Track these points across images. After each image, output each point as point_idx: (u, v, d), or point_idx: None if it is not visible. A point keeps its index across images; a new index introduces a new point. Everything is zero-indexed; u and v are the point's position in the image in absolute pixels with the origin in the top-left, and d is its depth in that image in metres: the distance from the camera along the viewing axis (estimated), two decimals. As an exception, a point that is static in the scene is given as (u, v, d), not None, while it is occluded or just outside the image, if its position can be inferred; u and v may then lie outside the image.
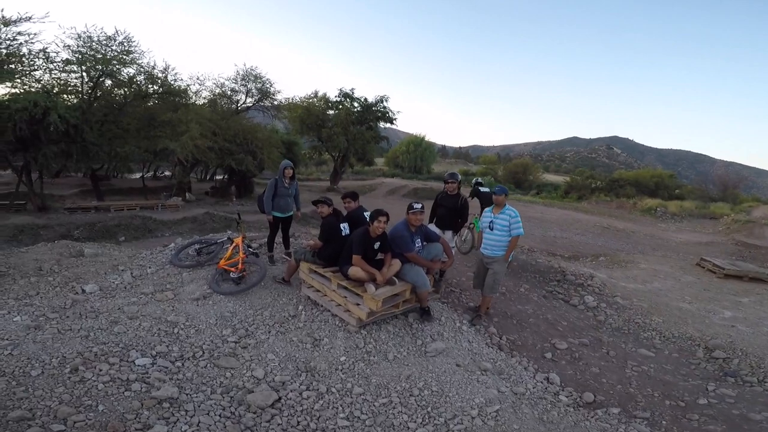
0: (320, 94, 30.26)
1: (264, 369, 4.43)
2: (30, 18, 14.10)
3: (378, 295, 4.95)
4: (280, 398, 4.02)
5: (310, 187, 28.92)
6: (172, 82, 18.96)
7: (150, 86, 18.21)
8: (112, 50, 16.22)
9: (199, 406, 3.70)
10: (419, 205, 5.39)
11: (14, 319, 4.77)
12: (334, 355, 4.80)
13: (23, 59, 14.45)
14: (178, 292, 5.87)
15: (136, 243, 11.81)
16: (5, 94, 14.34)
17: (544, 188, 43.04)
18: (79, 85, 16.29)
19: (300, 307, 5.71)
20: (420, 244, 5.55)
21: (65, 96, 16.12)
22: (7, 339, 4.28)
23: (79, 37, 15.74)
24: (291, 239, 7.78)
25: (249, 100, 26.16)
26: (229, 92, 25.53)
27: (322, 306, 5.68)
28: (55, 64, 15.31)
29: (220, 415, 3.65)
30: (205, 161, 21.24)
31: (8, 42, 13.96)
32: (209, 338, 4.87)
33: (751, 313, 7.63)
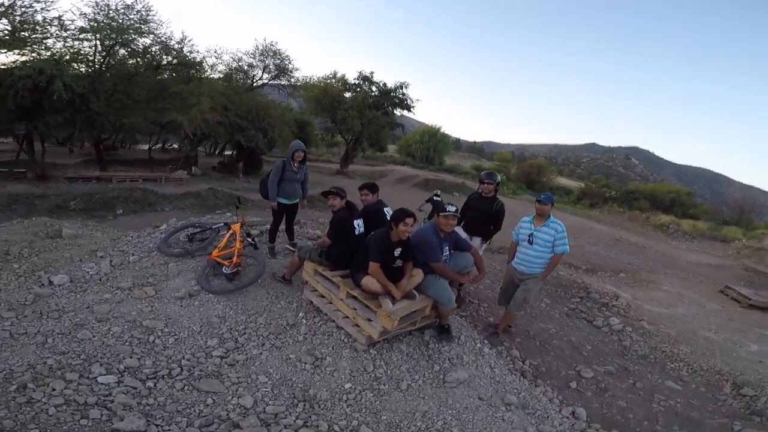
0: (339, 75, 29.77)
1: (253, 396, 3.71)
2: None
3: (395, 312, 4.17)
4: (271, 438, 3.28)
5: (320, 169, 28.26)
6: (188, 54, 18.45)
7: (164, 57, 17.73)
8: (129, 19, 15.85)
9: (170, 447, 2.97)
10: (453, 208, 4.55)
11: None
12: (337, 380, 4.07)
13: (36, 27, 14.09)
14: (160, 288, 5.10)
15: (134, 216, 11.23)
16: (13, 62, 14.02)
17: (556, 192, 42.28)
18: (91, 54, 15.89)
19: (300, 315, 4.96)
20: (448, 252, 4.75)
21: (76, 65, 15.72)
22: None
23: (97, 4, 15.41)
24: (296, 227, 6.98)
25: (265, 76, 25.55)
26: (245, 67, 24.96)
27: (326, 315, 4.92)
28: (69, 32, 14.93)
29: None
30: (213, 136, 20.74)
31: (23, 9, 13.60)
32: (190, 350, 4.15)
33: (778, 348, 7.12)
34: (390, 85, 29.30)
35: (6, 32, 13.43)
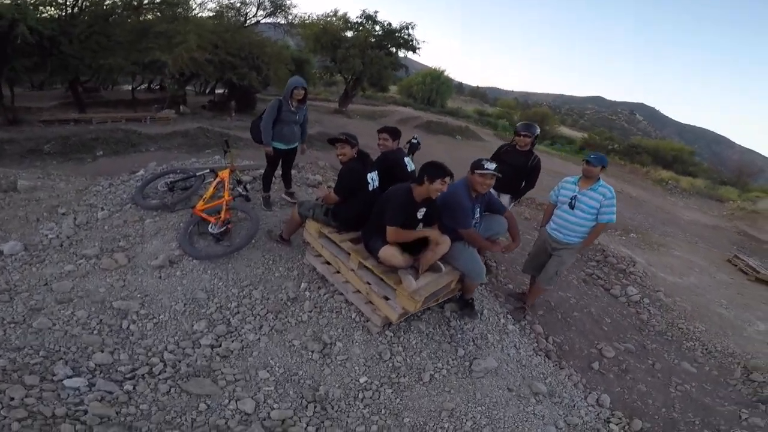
0: (340, 13, 27.84)
1: (254, 397, 3.12)
2: None
3: (419, 293, 3.50)
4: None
5: (317, 108, 26.85)
6: None
7: None
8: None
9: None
10: (493, 166, 3.74)
11: None
12: (350, 372, 3.48)
13: None
14: (133, 254, 4.33)
15: (115, 158, 10.28)
16: None
17: (558, 140, 41.61)
18: None
19: (303, 285, 4.27)
20: (478, 215, 4.04)
21: (44, 8, 14.22)
22: None
23: None
24: (293, 171, 6.16)
25: (260, 13, 23.76)
26: (238, 4, 23.09)
27: (332, 286, 4.25)
28: None
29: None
30: (202, 74, 19.61)
31: None
32: (174, 338, 3.49)
33: (785, 328, 6.98)
34: (395, 25, 27.62)
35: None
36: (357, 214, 4.07)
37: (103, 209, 5.04)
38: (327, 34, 26.48)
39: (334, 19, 27.69)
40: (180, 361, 3.28)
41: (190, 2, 18.74)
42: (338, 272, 4.17)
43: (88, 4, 15.18)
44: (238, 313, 3.83)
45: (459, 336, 4.11)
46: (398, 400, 3.36)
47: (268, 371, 3.35)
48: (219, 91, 28.18)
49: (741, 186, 28.80)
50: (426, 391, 3.49)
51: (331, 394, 3.26)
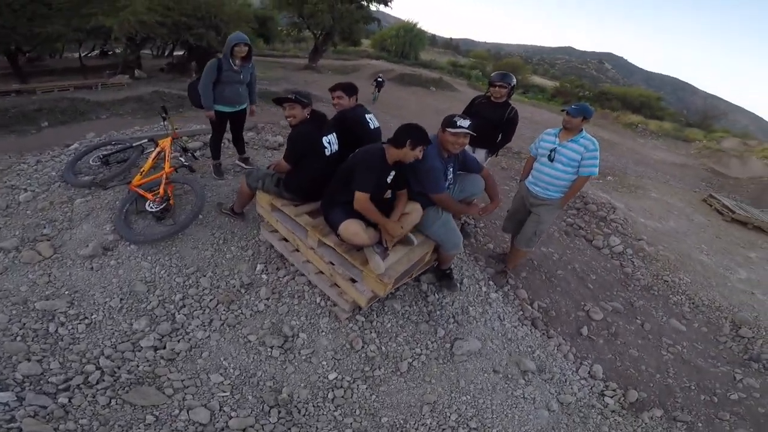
0: None
1: (209, 405, 2.69)
2: None
3: (389, 274, 3.05)
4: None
5: (285, 65, 25.58)
6: None
7: None
8: None
9: None
10: (467, 123, 3.24)
11: None
12: (318, 369, 3.06)
13: None
14: (60, 242, 3.72)
15: (62, 128, 9.36)
16: None
17: (530, 89, 41.96)
18: None
19: (259, 267, 3.77)
20: (452, 176, 3.57)
21: None
22: None
23: None
24: (252, 133, 5.52)
25: None
26: None
27: (293, 266, 3.76)
28: None
29: None
30: (156, 37, 18.31)
31: None
32: (111, 341, 2.99)
33: (763, 275, 6.84)
34: None
35: None
36: (312, 183, 3.54)
37: (26, 190, 4.33)
38: None
39: None
40: (119, 368, 2.80)
41: None
42: (297, 250, 3.67)
43: None
44: (184, 306, 3.32)
45: (438, 313, 3.71)
46: (374, 397, 2.97)
47: (221, 374, 2.91)
48: (178, 53, 26.94)
49: (706, 128, 29.74)
50: (404, 383, 3.11)
51: (296, 396, 2.85)
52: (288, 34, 32.37)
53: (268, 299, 3.48)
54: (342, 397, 2.91)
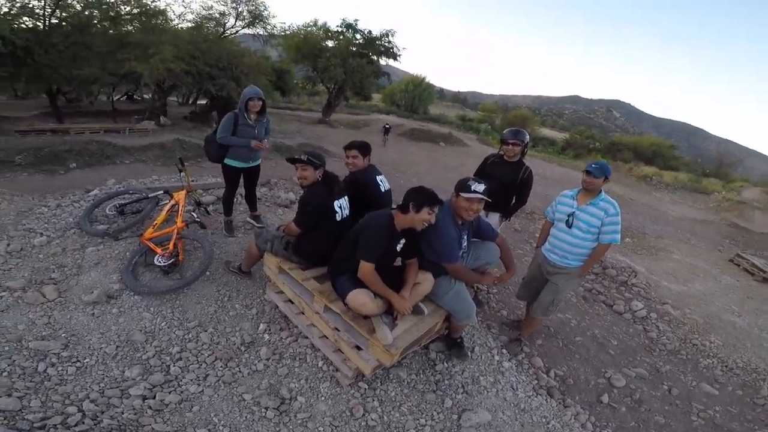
0: (320, 23, 28.11)
1: (189, 467, 2.47)
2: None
3: (396, 344, 2.89)
4: None
5: (300, 118, 26.71)
6: (149, 3, 16.96)
7: (122, 6, 16.28)
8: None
9: None
10: (482, 188, 3.13)
11: None
12: (313, 435, 2.84)
13: None
14: (65, 287, 3.71)
15: (88, 171, 9.78)
16: None
17: (540, 142, 42.22)
18: (39, 7, 14.40)
19: (261, 326, 3.66)
20: (466, 243, 3.44)
21: (24, 19, 14.41)
22: None
23: None
24: (264, 189, 5.53)
25: (239, 23, 23.62)
26: (216, 15, 22.95)
27: (296, 327, 3.63)
28: None
29: None
30: (181, 85, 19.36)
31: None
32: (99, 385, 2.87)
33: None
34: (375, 33, 27.83)
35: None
36: (322, 248, 3.48)
37: (42, 235, 4.43)
38: (308, 44, 26.61)
39: (314, 28, 27.89)
40: (102, 413, 2.65)
41: (169, 13, 19.01)
42: (302, 313, 3.55)
43: (65, 14, 15.18)
44: (181, 359, 3.20)
45: (446, 382, 3.49)
46: (372, 470, 2.74)
47: (209, 430, 2.72)
48: (201, 101, 28.29)
49: (723, 176, 29.03)
50: (406, 457, 2.87)
51: (287, 463, 2.64)
52: (303, 87, 33.92)
53: (268, 359, 3.34)
54: (339, 473, 2.69)
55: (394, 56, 27.99)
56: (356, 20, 27.44)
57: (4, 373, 2.79)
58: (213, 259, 4.15)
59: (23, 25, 14.22)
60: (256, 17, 23.64)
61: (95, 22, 15.83)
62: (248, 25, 23.94)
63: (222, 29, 23.36)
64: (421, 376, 3.49)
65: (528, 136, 4.53)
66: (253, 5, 23.15)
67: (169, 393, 2.92)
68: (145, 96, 27.46)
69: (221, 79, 18.32)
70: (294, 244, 3.57)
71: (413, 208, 2.93)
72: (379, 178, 3.92)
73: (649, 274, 7.62)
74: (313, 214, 3.41)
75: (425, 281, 3.19)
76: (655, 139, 41.91)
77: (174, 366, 3.13)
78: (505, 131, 4.66)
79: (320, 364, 3.35)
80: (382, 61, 29.14)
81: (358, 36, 27.77)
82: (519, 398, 3.65)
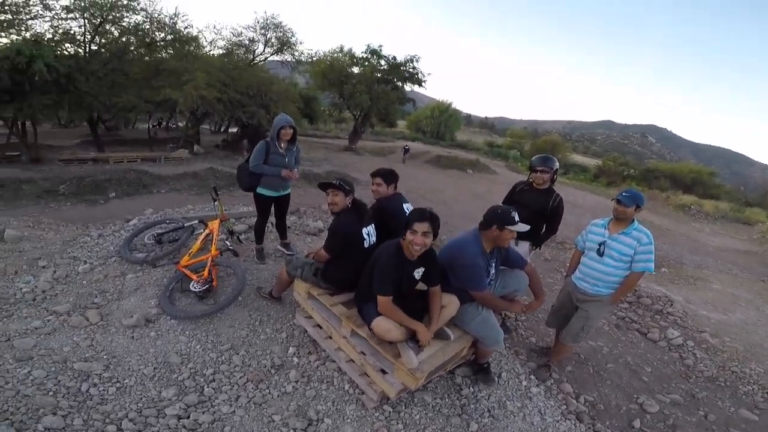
0: (345, 49, 28.79)
1: (220, 486, 2.56)
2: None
3: (421, 368, 2.96)
4: None
5: (327, 145, 27.20)
6: (182, 30, 18.10)
7: (157, 34, 17.49)
8: (119, -6, 15.43)
9: None
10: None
11: None
12: (340, 459, 2.91)
13: (19, 8, 13.76)
14: (107, 312, 3.92)
15: (127, 200, 10.33)
16: None
17: (571, 168, 41.38)
18: (80, 33, 15.53)
19: (291, 350, 3.77)
20: (494, 270, 3.48)
21: (66, 45, 15.51)
22: None
23: None
24: (294, 217, 5.70)
25: (267, 50, 24.83)
26: (246, 42, 24.28)
27: (324, 351, 3.73)
28: (54, 12, 14.63)
29: None
30: (213, 113, 20.08)
31: None
32: (137, 405, 3.00)
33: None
34: (400, 59, 28.12)
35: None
36: (350, 275, 3.57)
37: (85, 262, 4.72)
38: (334, 71, 27.09)
39: (340, 55, 28.40)
40: (141, 431, 2.79)
41: (201, 40, 20.09)
42: (330, 337, 3.65)
43: (104, 41, 16.18)
44: (214, 381, 3.33)
45: (472, 406, 3.50)
46: (398, 501, 2.77)
47: (239, 452, 2.82)
48: (233, 130, 28.81)
49: None
50: (430, 481, 2.89)
51: (313, 483, 2.71)
52: (330, 114, 34.56)
53: (296, 382, 3.43)
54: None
55: (419, 82, 28.20)
56: (380, 46, 27.91)
57: (50, 392, 2.96)
58: (245, 285, 4.31)
59: (65, 52, 15.07)
60: (284, 44, 24.52)
61: (132, 48, 16.72)
62: (276, 52, 24.84)
63: (252, 56, 24.28)
64: (447, 400, 3.51)
65: (557, 163, 4.52)
66: (281, 32, 24.07)
67: (203, 413, 3.03)
68: (179, 124, 28.48)
69: (251, 107, 18.86)
70: (323, 270, 3.69)
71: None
72: (405, 206, 3.98)
73: (687, 303, 7.42)
74: (342, 240, 3.53)
75: (450, 304, 3.24)
76: (694, 166, 39.99)
77: (207, 387, 3.26)
78: (533, 158, 4.64)
79: (347, 387, 3.42)
80: (407, 87, 29.40)
81: (382, 62, 28.15)
82: (547, 423, 3.62)
